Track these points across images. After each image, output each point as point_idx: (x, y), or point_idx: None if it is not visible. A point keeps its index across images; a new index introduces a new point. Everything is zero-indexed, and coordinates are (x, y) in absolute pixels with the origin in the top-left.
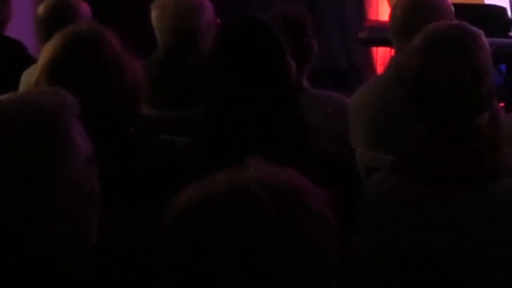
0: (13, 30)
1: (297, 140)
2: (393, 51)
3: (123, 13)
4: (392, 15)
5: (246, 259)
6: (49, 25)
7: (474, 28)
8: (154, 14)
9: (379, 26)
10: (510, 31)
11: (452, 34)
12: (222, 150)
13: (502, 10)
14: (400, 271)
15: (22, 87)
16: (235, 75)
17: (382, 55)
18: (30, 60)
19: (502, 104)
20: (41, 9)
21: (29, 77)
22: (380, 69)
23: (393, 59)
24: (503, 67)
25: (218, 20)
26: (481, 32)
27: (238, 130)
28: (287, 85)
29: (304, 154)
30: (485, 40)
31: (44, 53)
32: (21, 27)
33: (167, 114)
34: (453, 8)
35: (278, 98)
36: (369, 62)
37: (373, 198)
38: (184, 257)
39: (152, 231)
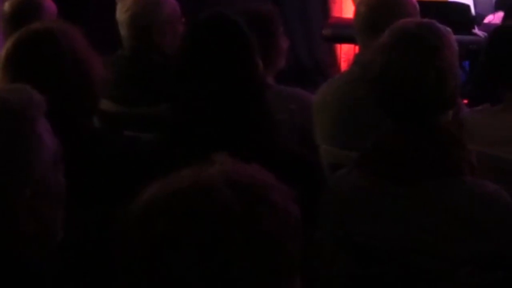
0: None
1: (262, 137)
2: (357, 48)
3: (93, 10)
4: (356, 12)
5: (210, 254)
6: (14, 22)
7: (442, 27)
8: (117, 8)
9: (343, 23)
10: (473, 28)
11: (419, 33)
12: (187, 146)
13: (465, 7)
14: (363, 267)
15: None
16: (202, 72)
17: (346, 52)
18: None
19: (465, 101)
20: (6, 6)
21: None
22: (344, 66)
23: (357, 56)
24: (466, 64)
25: (183, 19)
26: (450, 31)
27: (204, 127)
28: (254, 83)
29: (269, 150)
30: (454, 39)
31: (3, 51)
32: None
33: (132, 111)
34: (417, 6)
35: (245, 96)
36: (333, 59)
37: (336, 194)
38: (148, 251)
39: (117, 226)
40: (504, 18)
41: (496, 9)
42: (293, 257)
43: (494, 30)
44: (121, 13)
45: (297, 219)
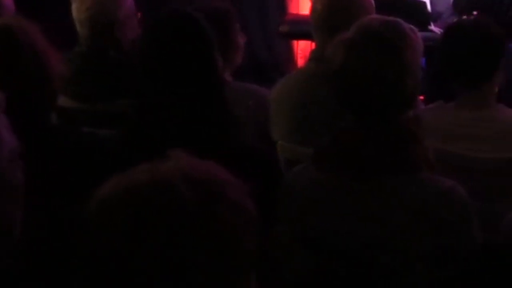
0: None
1: (221, 133)
2: (313, 44)
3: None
4: (313, 9)
5: (166, 250)
6: None
7: (407, 27)
8: (73, 7)
9: (300, 20)
10: (429, 24)
11: (382, 31)
12: (146, 142)
13: (422, 4)
14: (321, 262)
15: None
16: (163, 69)
17: (302, 49)
18: None
19: (421, 97)
20: None
21: None
22: (300, 62)
23: (313, 52)
24: (422, 60)
25: (139, 14)
26: (415, 31)
27: (163, 123)
28: (214, 79)
29: (227, 146)
30: (419, 39)
31: None
32: None
33: (89, 107)
34: (373, 2)
35: (205, 92)
36: (290, 55)
37: (293, 190)
38: (105, 247)
39: (75, 222)
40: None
41: (454, 6)
42: (249, 252)
43: (448, 27)
44: (80, 12)
45: (254, 215)
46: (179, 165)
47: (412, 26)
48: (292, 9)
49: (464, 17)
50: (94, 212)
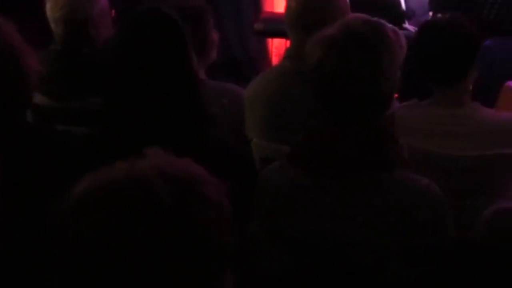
0: None
1: (196, 130)
2: (288, 42)
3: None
4: (287, 7)
5: (142, 246)
6: None
7: (390, 28)
8: (47, 6)
9: (274, 18)
10: (404, 22)
11: (363, 31)
12: (122, 140)
13: (396, 1)
14: (296, 260)
15: None
16: (138, 66)
17: (277, 47)
18: None
19: (396, 95)
20: None
21: None
22: (275, 60)
23: (288, 51)
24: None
25: (113, 12)
26: (398, 33)
27: (138, 121)
28: (189, 77)
29: (202, 144)
30: (401, 41)
31: None
32: None
33: (64, 105)
34: (348, 0)
35: (180, 90)
36: (265, 53)
37: (268, 188)
38: (81, 244)
39: (51, 220)
40: (433, 13)
41: (428, 4)
42: (224, 250)
43: (422, 25)
44: (54, 11)
45: (229, 213)
46: (155, 162)
47: (395, 28)
48: (267, 7)
49: (439, 15)
50: (70, 210)
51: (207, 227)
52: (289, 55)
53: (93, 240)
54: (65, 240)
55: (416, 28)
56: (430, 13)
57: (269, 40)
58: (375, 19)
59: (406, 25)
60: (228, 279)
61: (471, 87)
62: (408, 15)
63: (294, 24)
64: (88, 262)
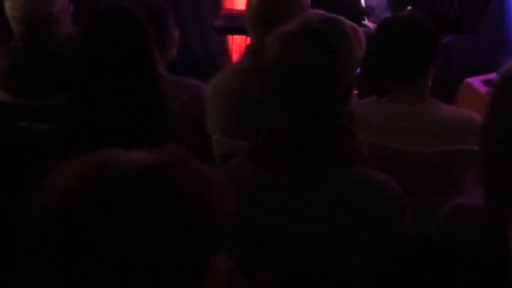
0: None
1: (156, 126)
2: (248, 39)
3: None
4: (248, 3)
5: (131, 229)
6: None
7: (348, 24)
8: (7, 5)
9: (235, 15)
10: (363, 20)
11: (320, 28)
12: (81, 136)
13: None
14: (256, 256)
15: None
16: (101, 63)
17: (237, 43)
18: None
19: (355, 92)
20: None
21: None
22: (235, 57)
23: (248, 47)
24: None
25: (72, 7)
26: (357, 29)
27: (99, 117)
28: (150, 73)
29: (162, 140)
30: (360, 38)
31: None
32: None
33: (27, 102)
34: None
35: (140, 86)
36: (225, 50)
37: (228, 184)
38: (64, 241)
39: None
40: (393, 10)
41: (387, 1)
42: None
43: (381, 22)
44: (14, 10)
45: (223, 189)
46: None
47: (354, 25)
48: (227, 4)
49: (398, 12)
50: (50, 204)
51: (192, 197)
52: (250, 51)
53: (77, 231)
54: (44, 231)
55: (376, 25)
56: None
57: (230, 37)
58: (334, 15)
59: (366, 22)
60: (221, 259)
61: (430, 84)
62: (367, 12)
63: (255, 20)
64: (79, 249)
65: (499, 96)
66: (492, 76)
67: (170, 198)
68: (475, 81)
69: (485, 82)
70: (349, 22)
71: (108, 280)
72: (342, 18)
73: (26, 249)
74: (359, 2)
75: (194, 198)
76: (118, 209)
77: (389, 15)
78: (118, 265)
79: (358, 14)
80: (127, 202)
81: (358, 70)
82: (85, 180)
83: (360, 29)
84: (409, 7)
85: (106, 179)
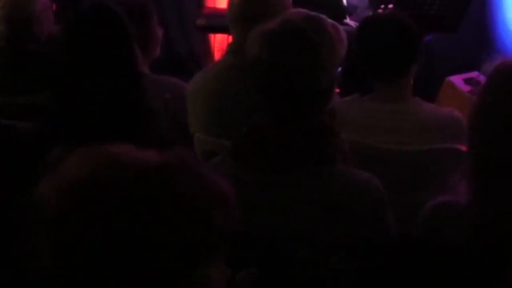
0: None
1: (138, 125)
2: (230, 38)
3: None
4: (230, 2)
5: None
6: None
7: (330, 23)
8: None
9: (216, 13)
10: (345, 18)
11: (301, 26)
12: (64, 134)
13: None
14: (238, 254)
15: None
16: (83, 62)
17: (219, 42)
18: None
19: (337, 90)
20: None
21: None
22: (217, 55)
23: (230, 46)
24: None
25: (54, 6)
26: (338, 27)
27: (81, 115)
28: (132, 72)
29: (144, 138)
30: (342, 38)
31: None
32: None
33: (9, 100)
34: None
35: (124, 85)
36: (207, 48)
37: None
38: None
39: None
40: (374, 9)
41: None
42: (209, 233)
43: (363, 21)
44: None
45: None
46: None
47: (335, 23)
48: (209, 3)
49: (380, 10)
50: (57, 202)
51: (186, 201)
52: (231, 50)
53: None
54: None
55: (357, 24)
56: (372, 9)
57: (212, 36)
58: (315, 13)
59: (347, 20)
60: (218, 269)
61: (412, 83)
62: (349, 10)
63: (236, 19)
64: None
65: (488, 95)
66: (474, 74)
67: (166, 202)
68: (457, 80)
69: (467, 81)
70: (330, 20)
71: (98, 277)
72: (323, 16)
73: (21, 243)
74: (341, 1)
75: (191, 205)
76: (115, 204)
77: (371, 13)
78: (109, 263)
79: (340, 13)
80: (124, 200)
81: (340, 68)
82: (90, 173)
83: (341, 28)
84: (390, 6)
85: (111, 173)
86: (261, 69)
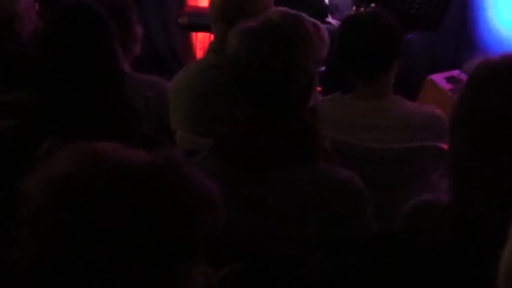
0: None
1: (119, 123)
2: (212, 36)
3: None
4: (211, 1)
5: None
6: None
7: (310, 21)
8: None
9: (198, 12)
10: (327, 17)
11: (279, 23)
12: (43, 132)
13: None
14: (219, 251)
15: None
16: (64, 59)
17: (201, 40)
18: None
19: (319, 88)
20: None
21: None
22: (199, 54)
23: (212, 44)
24: None
25: (37, 5)
26: (319, 26)
27: (62, 113)
28: (114, 70)
29: (127, 137)
30: (322, 36)
31: None
32: None
33: None
34: None
35: (105, 83)
36: (189, 47)
37: None
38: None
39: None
40: (357, 7)
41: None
42: (190, 234)
43: (345, 19)
44: None
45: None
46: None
47: (316, 21)
48: (191, 1)
49: (362, 9)
50: (45, 200)
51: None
52: (213, 48)
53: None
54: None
55: (339, 22)
56: (354, 8)
57: (193, 34)
58: (295, 12)
59: (329, 19)
60: (200, 268)
61: (393, 81)
62: (331, 9)
63: (218, 18)
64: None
65: (469, 93)
66: (455, 73)
67: (151, 201)
68: (438, 78)
69: (448, 79)
70: (311, 19)
71: (81, 273)
72: (303, 14)
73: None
74: (323, 0)
75: (176, 205)
76: (100, 201)
77: (352, 12)
78: (92, 259)
79: (321, 11)
80: (109, 197)
81: (322, 67)
82: (77, 169)
83: (323, 26)
84: (372, 4)
85: (97, 170)
86: (240, 67)
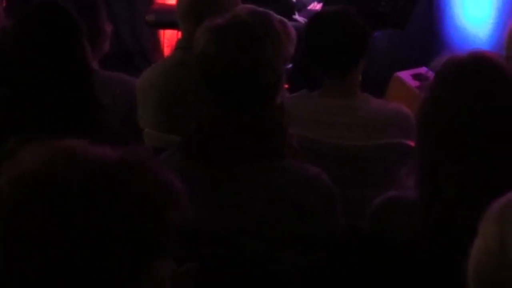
0: None
1: (87, 120)
2: (179, 33)
3: None
4: None
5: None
6: None
7: (277, 18)
8: None
9: (166, 9)
10: (294, 14)
11: (246, 20)
12: (15, 130)
13: None
14: (189, 250)
15: None
16: (31, 57)
17: (169, 38)
18: None
19: (286, 86)
20: None
21: None
22: (167, 51)
23: (179, 42)
24: None
25: (4, 2)
26: (286, 23)
27: (30, 111)
28: (82, 67)
29: (93, 134)
30: (289, 32)
31: None
32: None
33: None
34: None
35: (73, 80)
36: (157, 44)
37: None
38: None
39: None
40: (323, 4)
41: None
42: (157, 229)
43: (312, 16)
44: None
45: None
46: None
47: (284, 19)
48: None
49: (329, 6)
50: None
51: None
52: (181, 46)
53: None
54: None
55: (306, 20)
56: (320, 5)
57: (161, 32)
58: (262, 9)
59: (296, 16)
60: (167, 265)
61: (360, 78)
62: (298, 6)
63: (186, 15)
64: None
65: (436, 90)
66: (422, 70)
67: (121, 199)
68: (405, 75)
69: (415, 76)
70: (278, 16)
71: (52, 269)
72: (270, 12)
73: None
74: None
75: (145, 202)
76: (70, 198)
77: (319, 9)
78: (62, 257)
79: (288, 9)
80: (79, 194)
81: (289, 64)
82: (47, 166)
83: (290, 24)
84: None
85: (67, 166)
86: (207, 63)
